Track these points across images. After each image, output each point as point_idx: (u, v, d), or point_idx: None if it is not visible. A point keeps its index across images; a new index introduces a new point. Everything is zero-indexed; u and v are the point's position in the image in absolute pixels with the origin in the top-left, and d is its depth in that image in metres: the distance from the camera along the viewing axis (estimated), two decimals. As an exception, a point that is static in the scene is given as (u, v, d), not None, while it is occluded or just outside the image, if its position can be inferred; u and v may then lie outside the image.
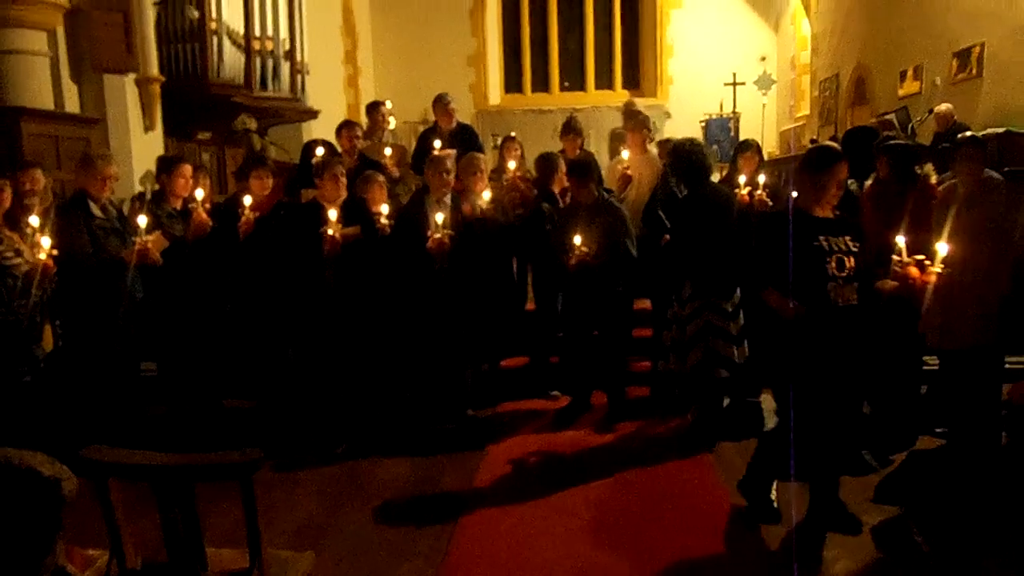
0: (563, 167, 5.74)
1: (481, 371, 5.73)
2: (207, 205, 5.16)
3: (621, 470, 4.47)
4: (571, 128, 6.56)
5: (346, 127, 6.71)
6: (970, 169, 4.77)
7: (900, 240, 3.46)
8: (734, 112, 13.62)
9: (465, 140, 6.84)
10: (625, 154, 6.06)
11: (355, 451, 4.88)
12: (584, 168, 5.34)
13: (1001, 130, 7.34)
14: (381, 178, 5.63)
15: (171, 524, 1.97)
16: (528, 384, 5.87)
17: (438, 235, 4.90)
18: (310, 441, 4.94)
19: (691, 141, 5.23)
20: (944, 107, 8.06)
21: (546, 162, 5.88)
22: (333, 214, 4.90)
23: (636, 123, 6.23)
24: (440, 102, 7.06)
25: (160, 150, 7.16)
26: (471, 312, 5.27)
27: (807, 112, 14.14)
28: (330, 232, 4.84)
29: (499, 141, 7.04)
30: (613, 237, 5.14)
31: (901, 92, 10.40)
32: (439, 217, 4.93)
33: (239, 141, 8.72)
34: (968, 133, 6.56)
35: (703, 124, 14.14)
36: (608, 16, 16.44)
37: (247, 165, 5.77)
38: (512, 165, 6.32)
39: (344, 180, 5.22)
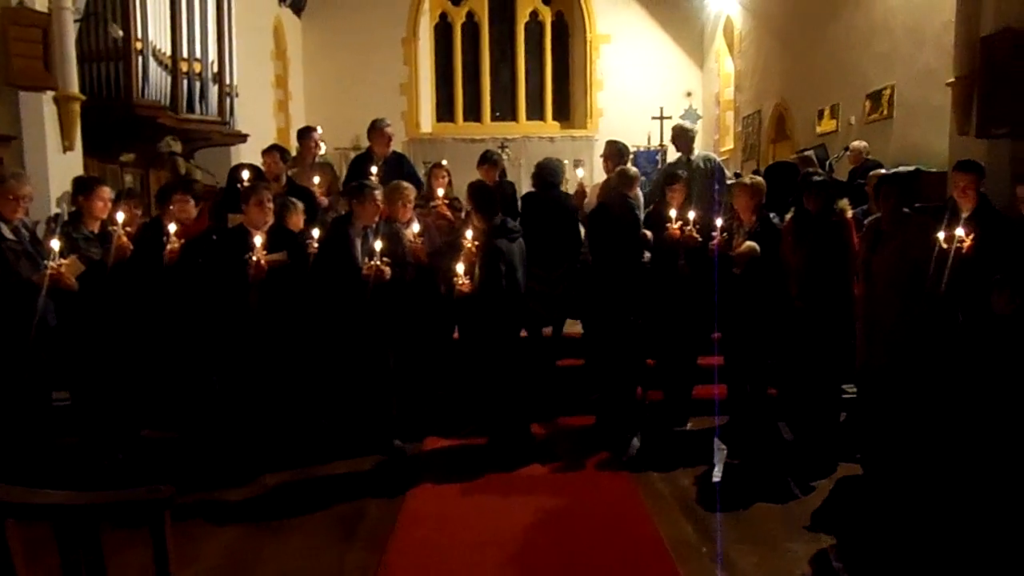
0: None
1: (410, 401, 5.67)
2: (128, 228, 5.00)
3: (550, 501, 4.45)
4: (487, 159, 6.68)
5: (268, 152, 6.62)
6: (887, 205, 4.99)
7: None
8: (661, 145, 13.93)
9: (399, 167, 6.80)
10: (580, 172, 6.70)
11: (280, 482, 4.76)
12: (483, 194, 5.37)
13: (911, 168, 7.70)
14: (301, 205, 5.61)
15: (73, 568, 1.86)
16: (457, 414, 5.81)
17: (375, 262, 4.89)
18: (233, 471, 4.80)
19: (548, 159, 6.43)
20: (858, 144, 8.41)
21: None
22: (259, 240, 4.84)
23: (612, 152, 6.62)
24: (376, 127, 6.98)
25: (79, 171, 6.90)
26: (400, 340, 5.24)
27: (731, 146, 14.58)
28: (255, 258, 4.77)
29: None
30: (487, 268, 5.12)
31: (819, 129, 10.82)
32: (378, 245, 4.93)
33: (164, 163, 8.50)
34: (880, 171, 6.87)
35: (631, 156, 14.38)
36: (539, 49, 16.73)
37: (169, 189, 5.63)
38: (440, 192, 6.34)
39: (271, 206, 5.16)
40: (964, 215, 5.36)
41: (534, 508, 4.32)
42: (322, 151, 7.67)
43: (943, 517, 3.94)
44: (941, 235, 5.12)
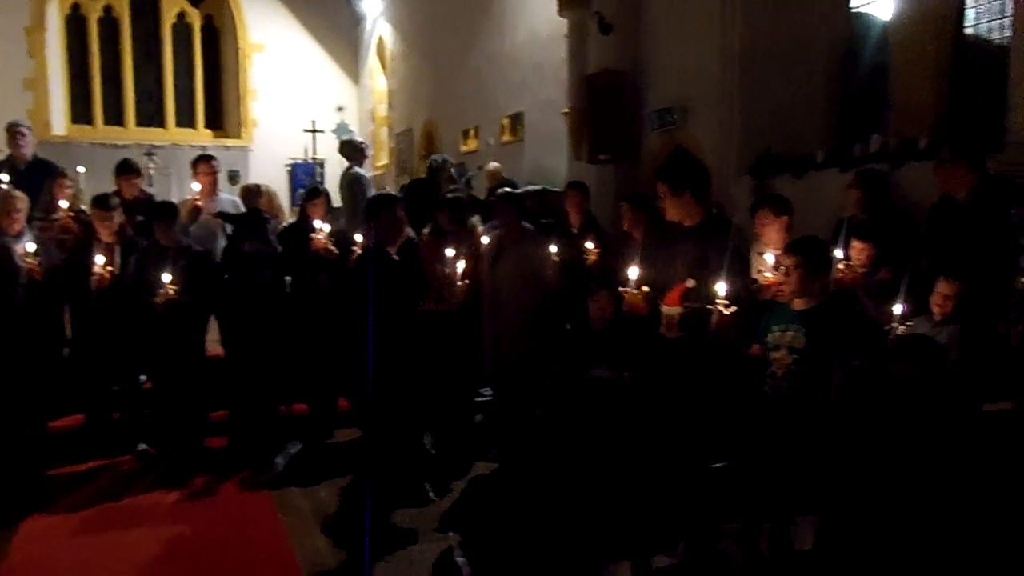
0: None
1: (24, 434, 5.11)
2: None
3: (179, 529, 4.24)
4: (129, 167, 6.22)
5: None
6: (507, 221, 5.47)
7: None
8: (315, 157, 13.96)
9: (43, 176, 6.10)
10: (196, 186, 6.19)
11: None
12: (169, 211, 5.38)
13: (539, 187, 8.52)
14: None
15: None
16: (86, 443, 5.31)
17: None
18: None
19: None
20: (492, 166, 9.14)
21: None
22: None
23: (207, 167, 6.30)
24: (9, 131, 6.37)
25: None
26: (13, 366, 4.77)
27: (387, 162, 14.99)
28: None
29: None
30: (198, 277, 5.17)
31: (463, 148, 11.55)
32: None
33: None
34: (506, 189, 7.52)
35: (289, 168, 14.27)
36: (189, 53, 15.89)
37: None
38: (64, 204, 5.78)
39: None
40: (574, 229, 6.08)
41: (160, 539, 4.08)
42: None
43: (567, 509, 4.31)
44: (553, 248, 5.74)
